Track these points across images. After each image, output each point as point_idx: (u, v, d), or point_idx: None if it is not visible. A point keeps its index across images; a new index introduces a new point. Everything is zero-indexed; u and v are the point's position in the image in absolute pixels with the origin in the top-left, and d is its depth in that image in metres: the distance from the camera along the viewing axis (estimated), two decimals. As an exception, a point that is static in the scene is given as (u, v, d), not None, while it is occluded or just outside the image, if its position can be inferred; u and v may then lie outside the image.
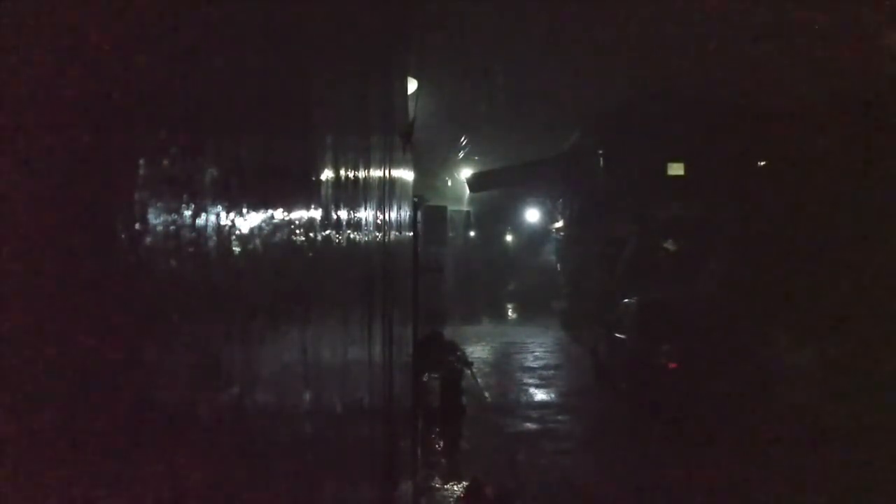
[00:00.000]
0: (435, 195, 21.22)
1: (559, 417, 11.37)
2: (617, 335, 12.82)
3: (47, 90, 0.59)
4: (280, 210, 1.27)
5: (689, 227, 17.47)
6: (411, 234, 7.49)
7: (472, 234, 33.51)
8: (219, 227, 0.93)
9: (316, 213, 1.61)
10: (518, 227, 35.14)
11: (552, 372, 15.70)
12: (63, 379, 0.60)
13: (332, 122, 1.94)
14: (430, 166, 22.03)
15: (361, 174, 2.58)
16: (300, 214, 1.44)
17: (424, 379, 9.66)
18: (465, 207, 30.74)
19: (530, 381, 14.58)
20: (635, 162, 19.28)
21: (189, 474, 0.84)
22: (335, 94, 2.04)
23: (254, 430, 1.11)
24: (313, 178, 1.64)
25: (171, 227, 0.78)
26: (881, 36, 11.78)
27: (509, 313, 30.80)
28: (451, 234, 23.93)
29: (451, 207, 23.91)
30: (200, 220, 0.86)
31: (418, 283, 8.78)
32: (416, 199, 8.53)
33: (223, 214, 0.94)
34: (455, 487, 7.73)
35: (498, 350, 19.24)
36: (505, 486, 7.13)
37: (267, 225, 1.17)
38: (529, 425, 10.84)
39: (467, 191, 27.94)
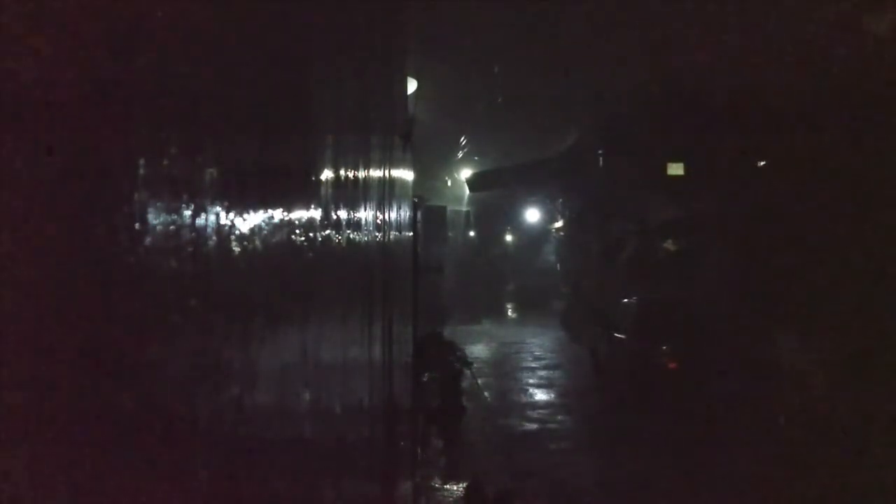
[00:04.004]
0: (435, 195, 21.24)
1: (559, 417, 11.37)
2: (617, 335, 12.82)
3: (46, 90, 0.59)
4: (280, 210, 1.27)
5: (689, 227, 17.47)
6: (411, 234, 7.49)
7: (472, 234, 33.50)
8: (219, 227, 0.93)
9: (316, 213, 1.61)
10: (518, 227, 35.12)
11: (552, 372, 15.70)
12: (62, 379, 0.60)
13: (332, 122, 1.94)
14: (430, 166, 22.05)
15: (361, 174, 2.58)
16: (300, 214, 1.44)
17: (424, 379, 9.66)
18: (465, 207, 30.73)
19: (530, 381, 14.59)
20: (635, 162, 19.27)
21: (189, 474, 0.85)
22: (335, 93, 2.04)
23: (254, 430, 1.11)
24: (313, 178, 1.64)
25: (171, 227, 0.78)
26: (881, 32, 11.78)
27: (509, 313, 30.80)
28: (450, 234, 23.93)
29: (451, 207, 23.93)
30: (200, 220, 0.86)
31: (418, 283, 8.78)
32: (416, 199, 8.53)
33: (223, 214, 0.95)
34: (455, 487, 7.74)
35: (498, 350, 19.24)
36: (505, 486, 7.13)
37: (267, 225, 1.17)
38: (529, 425, 10.84)
39: (467, 191, 27.92)
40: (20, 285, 0.56)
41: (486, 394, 12.66)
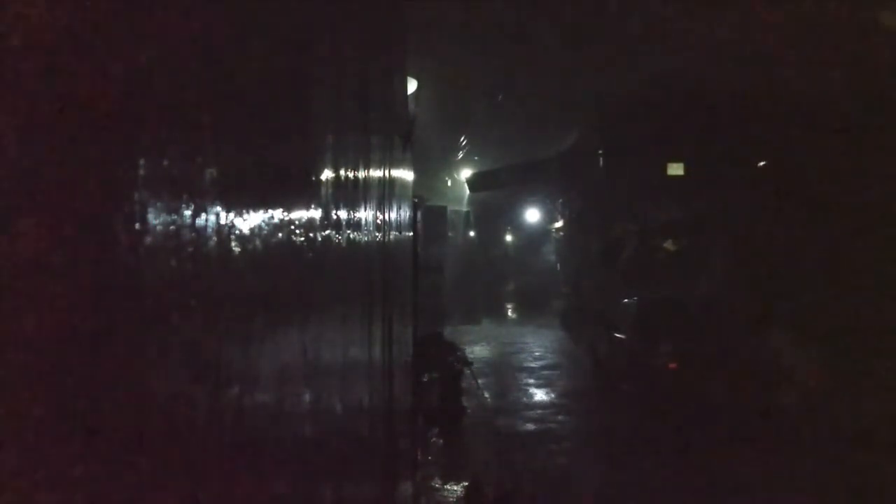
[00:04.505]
0: (435, 195, 21.25)
1: (559, 417, 11.37)
2: (617, 335, 12.82)
3: (47, 90, 0.59)
4: (280, 210, 1.27)
5: (689, 228, 17.47)
6: (411, 234, 7.49)
7: (472, 234, 33.51)
8: (219, 227, 0.93)
9: (316, 213, 1.61)
10: (518, 227, 35.14)
11: (552, 372, 15.69)
12: (63, 379, 0.60)
13: (332, 122, 1.94)
14: (430, 166, 22.06)
15: (361, 174, 2.58)
16: (300, 214, 1.44)
17: (424, 379, 9.66)
18: (465, 207, 30.75)
19: (530, 381, 14.58)
20: (635, 162, 19.28)
21: (188, 474, 0.84)
22: (335, 94, 2.04)
23: (254, 430, 1.11)
24: (313, 178, 1.64)
25: (171, 227, 0.78)
26: (881, 32, 11.79)
27: (509, 313, 30.81)
28: (451, 234, 23.94)
29: (451, 207, 23.94)
30: (200, 220, 0.86)
31: (418, 283, 8.78)
32: (416, 199, 8.53)
33: (223, 214, 0.94)
34: (455, 487, 7.74)
35: (498, 350, 19.23)
36: (505, 486, 7.13)
37: (267, 225, 1.17)
38: (529, 425, 10.84)
39: (467, 191, 27.94)
40: (21, 283, 0.56)
41: (485, 394, 12.66)
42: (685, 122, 17.82)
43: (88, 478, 0.63)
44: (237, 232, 1.01)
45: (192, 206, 0.84)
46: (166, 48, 0.80)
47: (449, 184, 28.77)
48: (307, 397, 1.53)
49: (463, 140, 26.43)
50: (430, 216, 13.33)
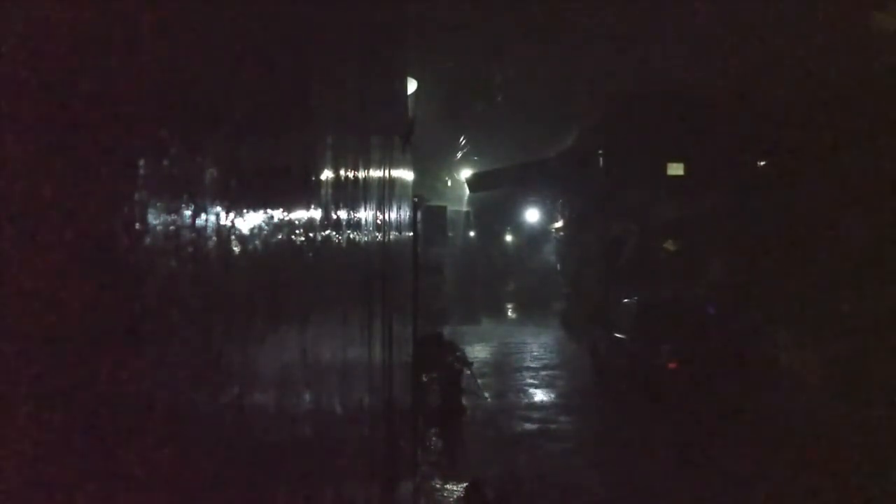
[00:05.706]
0: (435, 195, 21.25)
1: (559, 417, 11.36)
2: (617, 335, 12.82)
3: (47, 90, 0.59)
4: (280, 210, 1.27)
5: (689, 227, 17.47)
6: (411, 234, 7.49)
7: (472, 234, 33.52)
8: (219, 227, 0.93)
9: (316, 213, 1.61)
10: (518, 227, 35.15)
11: (552, 372, 15.69)
12: (63, 378, 0.60)
13: (332, 122, 1.94)
14: (430, 166, 22.06)
15: (361, 174, 2.58)
16: (300, 214, 1.44)
17: (424, 379, 9.66)
18: (465, 207, 30.75)
19: (530, 380, 14.58)
20: (635, 162, 19.29)
21: (189, 474, 0.84)
22: (335, 93, 2.04)
23: (254, 430, 1.11)
24: (313, 178, 1.64)
25: (171, 227, 0.78)
26: (879, 32, 11.79)
27: (509, 313, 30.79)
28: (451, 234, 23.93)
29: (451, 207, 23.93)
30: (200, 220, 0.86)
31: (418, 283, 8.77)
32: (416, 199, 8.52)
33: (223, 214, 0.94)
34: (455, 487, 7.73)
35: (497, 350, 19.23)
36: (505, 486, 7.13)
37: (267, 225, 1.17)
38: (529, 425, 10.83)
39: (467, 191, 27.95)
40: (21, 284, 0.56)
41: (485, 394, 12.66)
42: (685, 122, 17.82)
43: (88, 476, 0.63)
44: (237, 232, 1.01)
45: (193, 206, 0.84)
46: (167, 49, 0.80)
47: (449, 184, 28.78)
48: (307, 397, 1.53)
49: (463, 140, 26.45)
50: (430, 216, 13.32)
